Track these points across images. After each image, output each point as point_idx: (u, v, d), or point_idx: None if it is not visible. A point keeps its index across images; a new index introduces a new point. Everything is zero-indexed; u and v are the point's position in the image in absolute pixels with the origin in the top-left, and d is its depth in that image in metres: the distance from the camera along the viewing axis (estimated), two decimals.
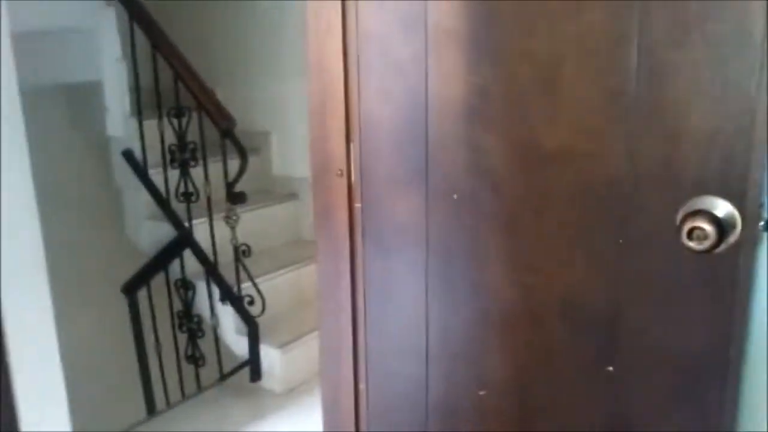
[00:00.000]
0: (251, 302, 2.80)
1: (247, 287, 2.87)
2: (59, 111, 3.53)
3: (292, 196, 3.55)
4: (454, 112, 1.29)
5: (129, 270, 3.24)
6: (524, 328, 1.31)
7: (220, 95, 3.75)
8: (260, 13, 3.59)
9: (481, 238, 1.31)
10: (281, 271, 3.10)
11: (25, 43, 3.17)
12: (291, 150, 3.61)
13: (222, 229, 2.83)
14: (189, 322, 3.03)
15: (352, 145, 1.44)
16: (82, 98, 3.33)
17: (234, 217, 2.73)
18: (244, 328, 2.84)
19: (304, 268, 3.19)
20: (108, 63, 3.05)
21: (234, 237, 2.75)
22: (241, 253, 2.75)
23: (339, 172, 1.47)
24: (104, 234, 3.60)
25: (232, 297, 2.84)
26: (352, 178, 1.46)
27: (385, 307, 1.49)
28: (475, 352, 1.38)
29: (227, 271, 2.90)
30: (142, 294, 3.24)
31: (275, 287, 3.04)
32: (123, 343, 3.37)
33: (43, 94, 3.45)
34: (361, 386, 1.57)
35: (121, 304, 3.29)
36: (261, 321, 2.86)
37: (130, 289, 3.26)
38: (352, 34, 1.38)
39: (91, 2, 2.95)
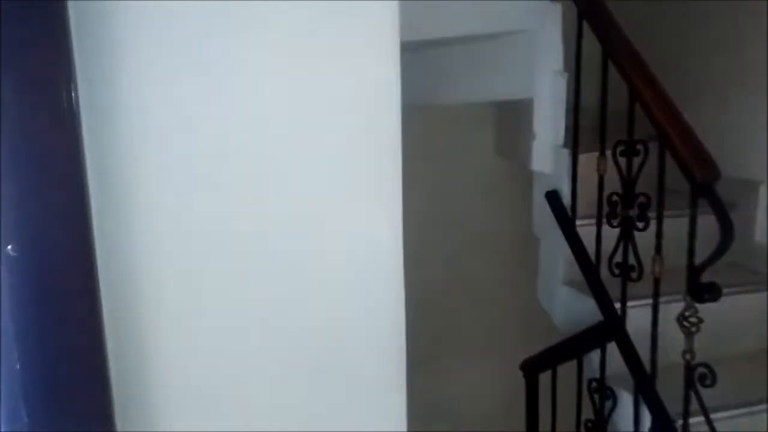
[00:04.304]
0: None
1: (696, 423, 1.86)
2: (488, 133, 2.99)
3: None
4: None
5: (534, 341, 2.52)
6: None
7: None
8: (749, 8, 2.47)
9: None
10: (756, 408, 1.98)
11: (452, 49, 2.68)
12: None
13: (669, 323, 1.88)
14: None
15: None
16: (511, 119, 2.71)
17: (693, 320, 1.74)
18: None
19: None
20: (544, 76, 2.34)
21: (689, 349, 1.77)
22: (696, 378, 1.75)
23: None
24: (514, 288, 2.95)
25: None
26: None
27: None
28: None
29: (667, 382, 1.92)
30: (544, 377, 2.49)
31: (739, 428, 1.95)
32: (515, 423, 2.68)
33: (471, 111, 2.94)
34: None
35: (517, 377, 2.60)
36: None
37: (531, 368, 2.53)
38: None
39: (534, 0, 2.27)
